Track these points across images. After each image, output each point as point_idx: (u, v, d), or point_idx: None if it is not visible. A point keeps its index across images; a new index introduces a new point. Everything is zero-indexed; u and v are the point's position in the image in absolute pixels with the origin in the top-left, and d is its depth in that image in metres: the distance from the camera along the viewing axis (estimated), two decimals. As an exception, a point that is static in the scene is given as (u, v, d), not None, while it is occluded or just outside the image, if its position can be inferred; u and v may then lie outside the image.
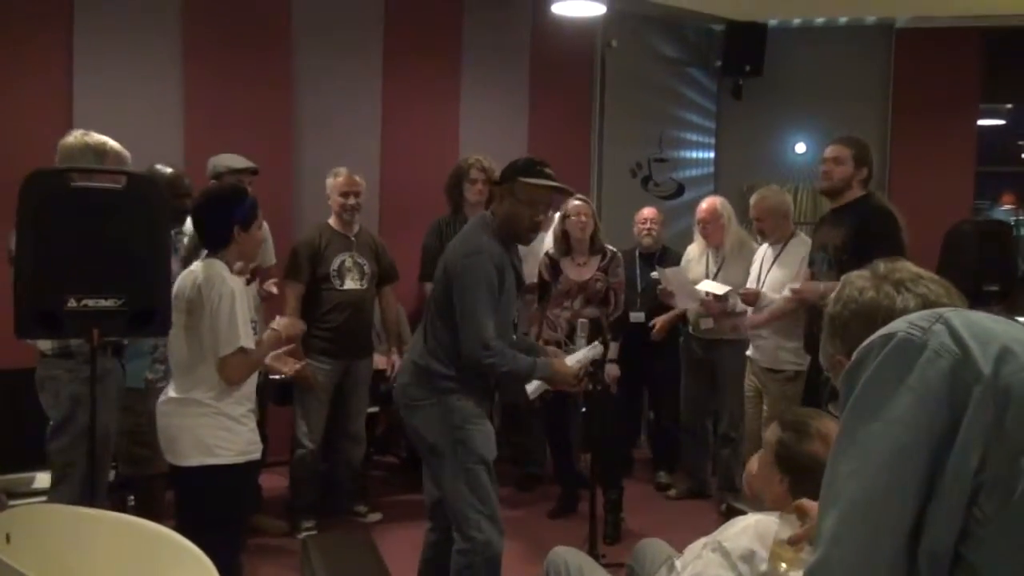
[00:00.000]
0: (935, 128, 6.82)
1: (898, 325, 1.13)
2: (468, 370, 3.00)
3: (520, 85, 6.37)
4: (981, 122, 7.12)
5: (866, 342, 1.16)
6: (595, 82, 6.74)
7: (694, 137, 7.25)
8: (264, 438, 4.51)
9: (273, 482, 4.71)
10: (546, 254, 4.60)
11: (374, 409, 4.94)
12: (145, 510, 3.58)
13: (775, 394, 4.18)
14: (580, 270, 4.45)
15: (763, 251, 4.43)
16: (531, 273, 4.61)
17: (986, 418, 1.03)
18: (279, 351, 3.26)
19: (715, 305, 4.56)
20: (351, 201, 4.39)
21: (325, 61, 5.57)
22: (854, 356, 1.17)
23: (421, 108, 5.91)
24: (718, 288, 4.50)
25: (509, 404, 5.16)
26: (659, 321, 4.89)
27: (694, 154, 7.27)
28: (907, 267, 1.46)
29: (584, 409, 4.13)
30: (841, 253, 3.61)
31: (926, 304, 1.36)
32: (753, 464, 2.12)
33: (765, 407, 4.26)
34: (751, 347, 4.36)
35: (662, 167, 7.10)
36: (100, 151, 3.03)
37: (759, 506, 2.10)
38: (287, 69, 5.42)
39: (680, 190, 7.13)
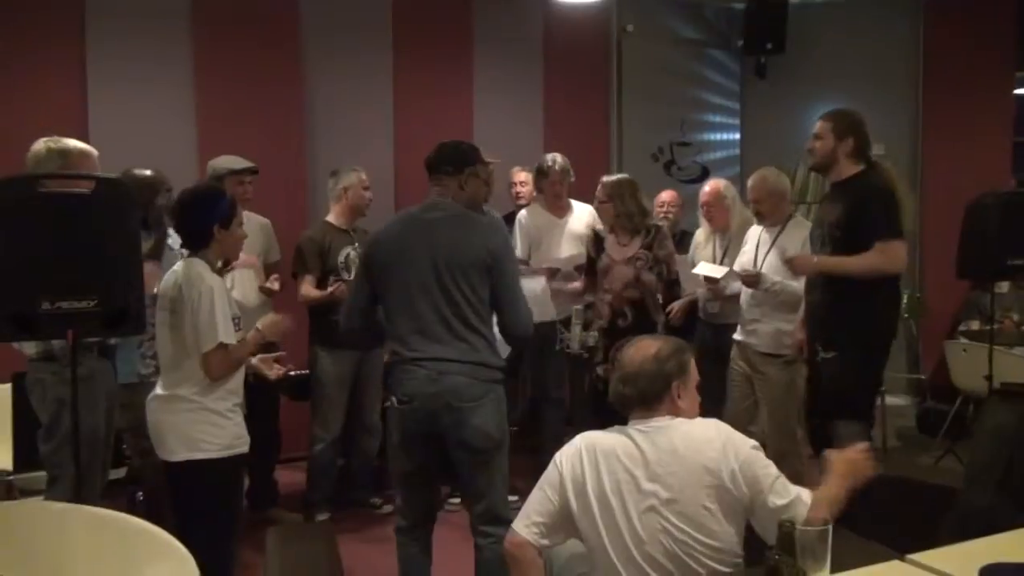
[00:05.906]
0: (969, 99, 6.57)
1: None
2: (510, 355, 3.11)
3: (534, 74, 6.32)
4: (1018, 91, 6.84)
5: None
6: (612, 68, 6.66)
7: (718, 119, 7.13)
8: (277, 434, 4.64)
9: (289, 477, 4.77)
10: (593, 229, 4.59)
11: (389, 402, 4.95)
12: (153, 503, 3.66)
13: (774, 378, 4.04)
14: (623, 249, 4.36)
15: (757, 233, 4.31)
16: (569, 253, 4.73)
17: None
18: (267, 356, 3.32)
19: (713, 288, 4.48)
20: (369, 194, 4.54)
21: (335, 58, 5.61)
22: None
23: (433, 101, 5.90)
24: (716, 272, 4.42)
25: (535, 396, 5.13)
26: (675, 306, 4.83)
27: (719, 136, 7.14)
28: None
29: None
30: (835, 230, 3.52)
31: None
32: None
33: (758, 393, 4.14)
34: (741, 331, 4.23)
35: (685, 151, 6.99)
36: (64, 153, 3.10)
37: None
38: (297, 68, 5.48)
39: (705, 173, 6.98)
